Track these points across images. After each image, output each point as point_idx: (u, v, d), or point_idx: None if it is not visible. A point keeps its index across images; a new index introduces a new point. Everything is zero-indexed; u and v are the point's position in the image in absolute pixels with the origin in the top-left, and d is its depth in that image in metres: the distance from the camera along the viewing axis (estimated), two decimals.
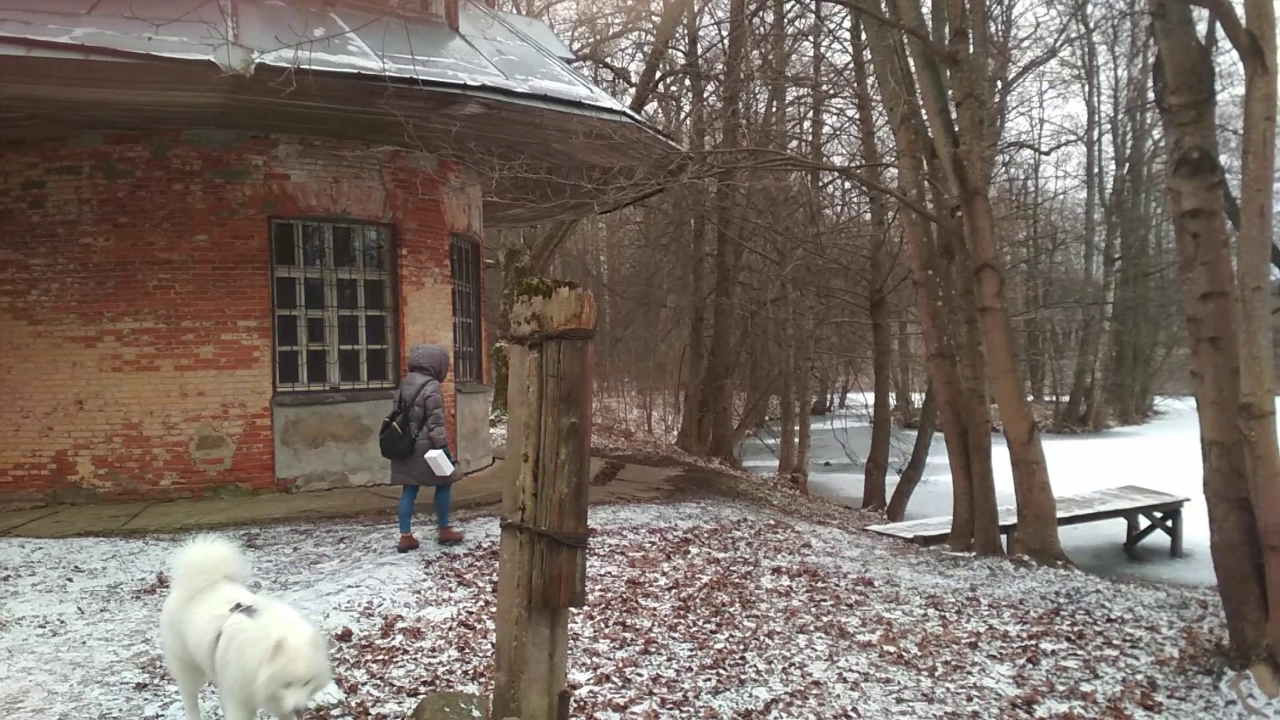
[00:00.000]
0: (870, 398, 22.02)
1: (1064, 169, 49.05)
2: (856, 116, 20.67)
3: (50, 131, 10.07)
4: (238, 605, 3.70)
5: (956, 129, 9.23)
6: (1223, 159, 7.47)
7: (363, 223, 11.24)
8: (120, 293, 10.15)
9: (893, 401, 26.59)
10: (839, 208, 24.91)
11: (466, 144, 10.23)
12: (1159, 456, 22.54)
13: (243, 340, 10.43)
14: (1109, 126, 38.22)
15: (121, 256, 10.16)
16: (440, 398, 7.95)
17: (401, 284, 11.38)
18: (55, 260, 10.14)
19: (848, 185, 23.00)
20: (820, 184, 21.76)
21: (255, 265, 10.48)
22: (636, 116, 12.36)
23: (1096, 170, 38.55)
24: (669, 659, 5.44)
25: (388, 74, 8.87)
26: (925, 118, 9.93)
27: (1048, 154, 33.81)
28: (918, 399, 29.49)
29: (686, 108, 23.40)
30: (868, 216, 22.35)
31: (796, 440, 22.09)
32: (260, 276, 10.51)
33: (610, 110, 10.84)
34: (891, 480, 19.06)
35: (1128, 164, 36.83)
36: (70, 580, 6.77)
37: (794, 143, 21.72)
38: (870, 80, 17.96)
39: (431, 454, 7.72)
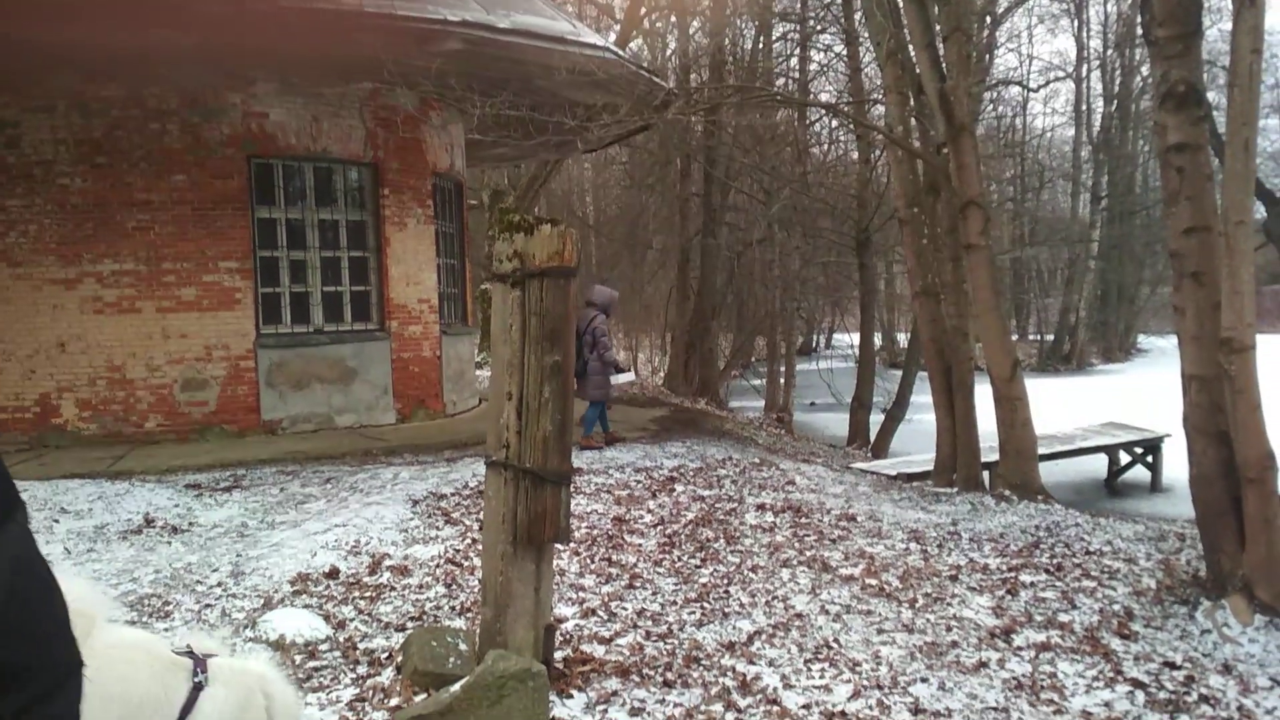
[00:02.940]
0: (856, 338, 22.08)
1: (1052, 106, 48.69)
2: (844, 52, 20.44)
3: (24, 70, 9.86)
4: (188, 649, 2.55)
5: (944, 64, 9.12)
6: (1210, 95, 7.43)
7: (344, 162, 11.10)
8: (99, 234, 10.04)
9: (878, 341, 26.67)
10: (825, 146, 24.73)
11: (448, 81, 10.08)
12: (1141, 393, 22.73)
13: (224, 282, 10.35)
14: (1098, 63, 37.92)
15: (99, 198, 10.03)
16: (605, 328, 9.81)
17: (384, 225, 11.28)
18: (33, 201, 10.00)
19: (835, 123, 22.81)
20: (807, 122, 21.56)
21: (235, 206, 10.36)
22: (620, 52, 12.19)
23: (1085, 107, 38.29)
24: (654, 593, 5.50)
25: (366, 9, 8.70)
26: (912, 53, 9.81)
27: (1036, 91, 33.61)
28: (903, 339, 29.60)
29: (672, 44, 23.09)
30: (854, 155, 22.19)
31: (782, 381, 22.17)
32: (241, 217, 10.40)
33: (593, 46, 10.69)
34: (876, 419, 19.18)
35: (1116, 101, 36.61)
36: (57, 521, 6.78)
37: (780, 79, 21.49)
38: (858, 15, 17.72)
39: (615, 376, 9.86)
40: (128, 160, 10.05)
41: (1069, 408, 20.32)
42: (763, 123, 18.62)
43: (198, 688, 2.44)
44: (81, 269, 10.04)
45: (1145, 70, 31.41)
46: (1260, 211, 7.10)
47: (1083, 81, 37.89)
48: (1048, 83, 35.29)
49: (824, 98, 22.00)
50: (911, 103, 10.30)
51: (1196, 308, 5.39)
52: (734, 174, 20.43)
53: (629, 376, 9.96)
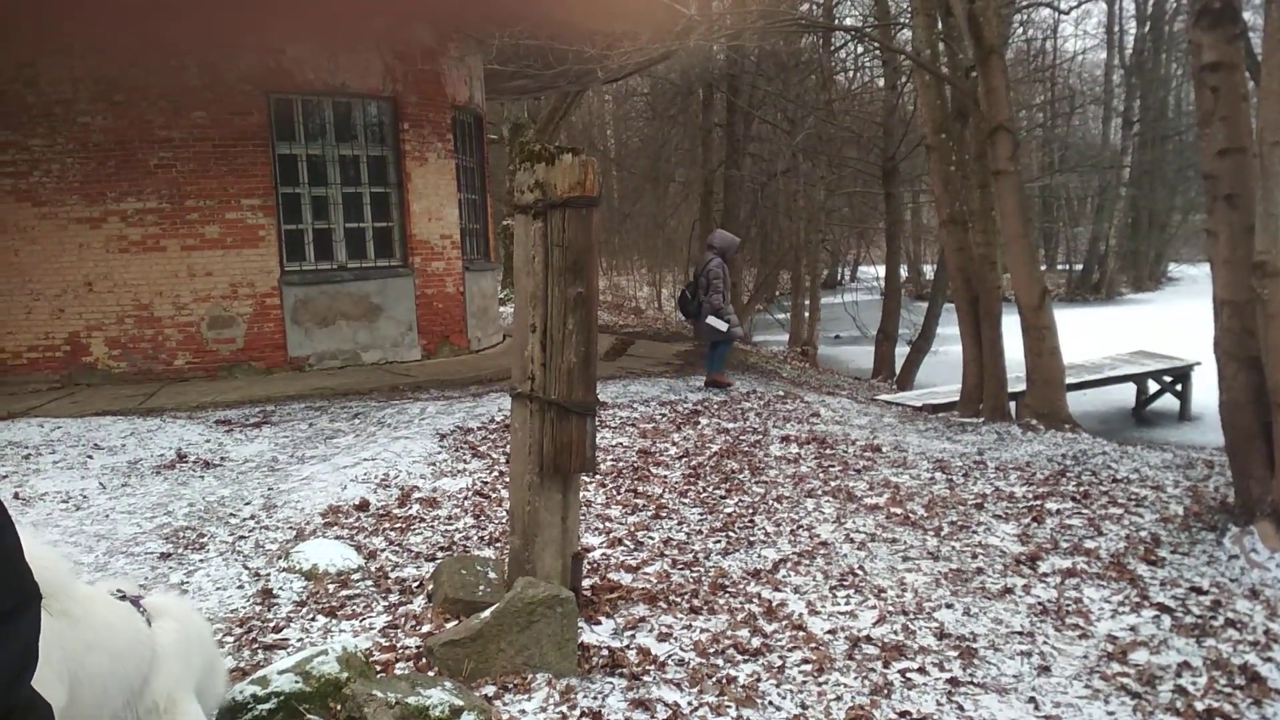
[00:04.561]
0: (881, 270, 21.87)
1: (1083, 28, 47.50)
2: None
3: (37, 12, 9.77)
4: (121, 592, 2.55)
5: None
6: (1246, 16, 7.20)
7: (363, 97, 11.01)
8: (121, 172, 10.04)
9: (904, 273, 26.43)
10: (851, 73, 24.25)
11: (465, 12, 9.92)
12: (1171, 322, 22.48)
13: (247, 219, 10.36)
14: None
15: (120, 135, 10.01)
16: (720, 272, 9.51)
17: (404, 159, 11.22)
18: (54, 141, 10.00)
19: (860, 49, 22.32)
20: (832, 48, 21.14)
21: (256, 142, 10.33)
22: None
23: (1117, 29, 37.23)
24: (680, 523, 5.55)
25: None
26: None
27: (1067, 12, 32.58)
28: (929, 270, 29.32)
29: None
30: (881, 81, 21.78)
31: (806, 314, 22.07)
32: (261, 154, 10.37)
33: None
34: (901, 351, 19.09)
35: (1149, 22, 35.55)
36: (90, 457, 6.90)
37: (805, 4, 21.02)
38: None
39: (709, 319, 9.51)
40: (146, 98, 10.01)
41: (1098, 337, 20.14)
42: (787, 49, 18.27)
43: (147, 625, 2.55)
44: (106, 207, 10.06)
45: None
46: None
47: (1115, 2, 36.83)
48: (1079, 4, 34.21)
49: (849, 22, 21.54)
50: (939, 25, 10.08)
51: (1229, 231, 5.30)
52: (757, 103, 20.12)
53: (723, 325, 9.46)
